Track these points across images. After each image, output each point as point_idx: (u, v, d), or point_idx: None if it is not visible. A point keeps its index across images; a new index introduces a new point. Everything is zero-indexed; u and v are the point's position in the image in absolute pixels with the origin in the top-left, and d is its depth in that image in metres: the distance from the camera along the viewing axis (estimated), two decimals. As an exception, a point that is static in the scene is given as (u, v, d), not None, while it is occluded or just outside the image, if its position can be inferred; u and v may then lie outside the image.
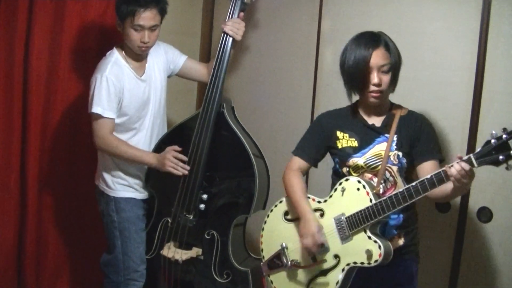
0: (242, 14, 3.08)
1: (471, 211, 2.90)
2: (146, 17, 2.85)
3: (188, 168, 2.97)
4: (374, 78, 2.39)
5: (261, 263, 2.74)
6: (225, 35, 3.05)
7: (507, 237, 2.81)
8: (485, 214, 2.85)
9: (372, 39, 2.43)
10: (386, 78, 2.41)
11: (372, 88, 2.41)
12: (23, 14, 3.07)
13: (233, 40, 3.05)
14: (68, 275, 3.55)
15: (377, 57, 2.39)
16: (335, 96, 3.33)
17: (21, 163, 3.22)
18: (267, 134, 3.58)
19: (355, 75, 2.43)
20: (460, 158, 2.12)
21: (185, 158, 2.97)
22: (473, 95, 2.86)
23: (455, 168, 2.12)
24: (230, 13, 3.07)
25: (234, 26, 3.03)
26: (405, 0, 3.07)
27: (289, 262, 2.58)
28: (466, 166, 2.09)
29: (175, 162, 2.96)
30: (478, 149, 2.07)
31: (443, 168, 2.15)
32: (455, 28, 2.92)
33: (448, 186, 2.23)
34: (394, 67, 2.42)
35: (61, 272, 3.51)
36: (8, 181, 3.18)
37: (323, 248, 2.46)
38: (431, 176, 2.18)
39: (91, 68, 3.16)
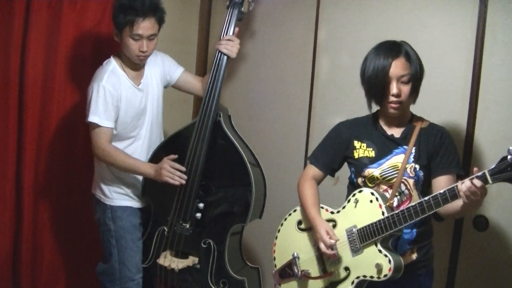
0: (237, 30, 3.06)
1: (467, 220, 2.90)
2: (145, 26, 2.85)
3: (185, 177, 2.96)
4: (394, 88, 2.36)
5: (273, 271, 2.74)
6: (220, 53, 3.04)
7: (503, 245, 2.81)
8: (481, 222, 2.85)
9: (392, 49, 2.39)
10: (406, 89, 2.38)
11: (392, 98, 2.38)
12: (19, 22, 3.07)
13: (228, 57, 3.03)
14: (64, 284, 3.53)
15: (397, 67, 2.36)
16: (332, 105, 3.34)
17: (17, 172, 3.21)
18: (263, 143, 3.58)
19: (374, 85, 2.40)
20: (476, 172, 2.07)
21: (182, 168, 2.97)
22: (469, 103, 2.87)
23: (465, 184, 2.07)
24: (226, 23, 3.06)
25: (228, 44, 3.01)
26: (401, 9, 3.09)
27: (300, 272, 2.56)
28: (478, 183, 2.04)
29: (172, 172, 2.94)
30: (493, 165, 2.02)
31: (457, 183, 2.11)
32: (451, 37, 2.93)
33: (459, 203, 2.18)
34: (414, 78, 2.38)
35: (56, 281, 3.49)
36: (3, 190, 3.16)
37: (333, 260, 2.45)
38: (445, 191, 2.15)
39: (87, 77, 3.16)
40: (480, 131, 2.85)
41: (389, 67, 2.35)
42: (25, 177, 3.23)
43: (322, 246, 2.45)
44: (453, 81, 2.92)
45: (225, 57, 3.03)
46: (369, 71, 2.41)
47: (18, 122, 3.16)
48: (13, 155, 3.17)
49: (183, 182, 2.96)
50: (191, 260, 3.05)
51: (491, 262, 2.85)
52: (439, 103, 2.95)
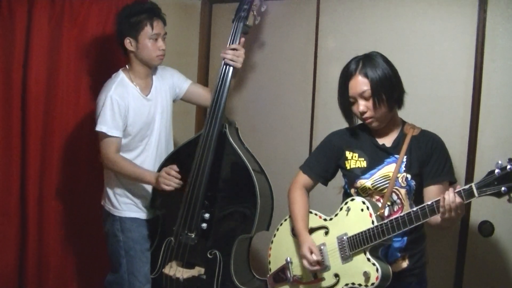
0: (243, 40, 3.08)
1: (472, 225, 2.89)
2: (159, 25, 3.02)
3: (181, 182, 2.96)
4: (359, 106, 2.38)
5: (267, 275, 2.75)
6: (225, 64, 3.05)
7: (509, 250, 2.81)
8: (487, 228, 2.84)
9: (349, 68, 2.41)
10: (369, 104, 2.36)
11: (361, 116, 2.41)
12: (20, 38, 3.10)
13: (234, 68, 3.04)
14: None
15: (354, 87, 2.37)
16: (334, 114, 3.31)
17: (21, 185, 3.22)
18: (266, 153, 3.58)
19: (342, 107, 2.48)
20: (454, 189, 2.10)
21: (177, 175, 2.96)
22: (471, 109, 2.87)
23: (445, 199, 2.10)
24: (231, 37, 3.06)
25: (234, 55, 3.02)
26: (401, 16, 3.10)
27: (292, 277, 2.59)
28: (455, 200, 2.07)
29: (167, 178, 2.94)
30: (480, 179, 2.02)
31: (444, 195, 2.12)
32: (451, 43, 2.94)
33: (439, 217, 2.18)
34: (376, 90, 2.34)
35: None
36: (8, 205, 3.18)
37: (323, 267, 2.46)
38: (432, 202, 2.16)
39: (89, 91, 3.19)
40: (482, 136, 2.85)
41: (347, 91, 2.40)
42: (29, 192, 3.24)
43: (305, 262, 2.48)
44: (455, 87, 2.92)
45: (231, 68, 3.04)
46: (339, 100, 2.48)
47: (21, 136, 3.19)
48: (17, 170, 3.19)
49: (177, 186, 2.95)
50: (197, 271, 3.04)
51: (497, 268, 2.84)
52: (441, 109, 2.96)
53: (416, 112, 2.90)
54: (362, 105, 2.37)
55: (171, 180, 2.94)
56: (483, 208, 2.85)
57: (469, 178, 2.84)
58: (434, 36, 2.99)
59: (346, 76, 2.41)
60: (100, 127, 2.94)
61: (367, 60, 2.39)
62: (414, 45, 3.04)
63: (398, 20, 3.11)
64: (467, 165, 2.88)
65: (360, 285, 2.35)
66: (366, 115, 2.38)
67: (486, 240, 2.85)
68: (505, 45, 2.78)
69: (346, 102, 2.43)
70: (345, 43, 3.31)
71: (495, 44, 2.80)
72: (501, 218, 2.81)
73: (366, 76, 2.35)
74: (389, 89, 2.37)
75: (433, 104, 2.97)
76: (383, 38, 3.13)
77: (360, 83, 2.36)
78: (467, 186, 2.06)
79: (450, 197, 2.09)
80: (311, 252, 2.46)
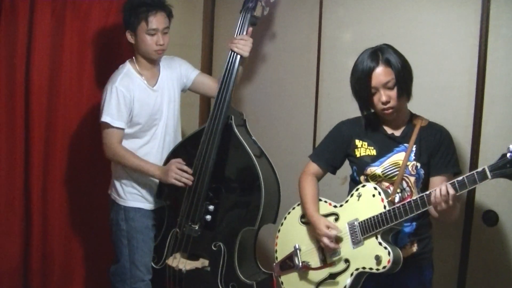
0: (250, 30, 3.08)
1: (476, 215, 2.89)
2: (158, 20, 2.98)
3: (192, 179, 2.98)
4: (382, 97, 2.39)
5: (274, 264, 2.77)
6: (232, 52, 3.05)
7: (514, 240, 2.81)
8: (491, 217, 2.84)
9: (370, 59, 2.41)
10: (393, 94, 2.39)
11: (382, 106, 2.42)
12: (23, 31, 3.10)
13: (241, 56, 3.04)
14: (75, 289, 3.55)
15: (379, 76, 2.39)
16: (337, 104, 3.34)
17: (25, 179, 3.23)
18: (270, 144, 3.57)
19: (362, 99, 2.47)
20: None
21: (189, 170, 2.99)
22: (474, 99, 2.86)
23: (436, 192, 2.18)
24: (239, 28, 3.07)
25: (240, 43, 3.02)
26: (404, 7, 3.08)
27: (301, 263, 2.60)
28: (445, 191, 2.16)
29: (179, 174, 2.97)
30: (493, 162, 2.08)
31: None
32: (455, 33, 2.93)
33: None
34: (399, 81, 2.39)
35: (67, 287, 3.50)
36: (12, 197, 3.18)
37: (333, 252, 2.49)
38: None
39: (92, 83, 3.18)
40: (486, 125, 2.84)
41: (370, 80, 2.39)
42: (33, 183, 3.25)
43: (325, 240, 2.49)
44: (458, 77, 2.91)
45: (238, 56, 3.03)
46: (356, 88, 2.47)
47: (24, 128, 3.19)
48: (20, 161, 3.20)
49: (189, 183, 2.98)
50: (201, 262, 3.05)
51: (501, 257, 2.84)
52: (445, 99, 2.95)
53: (419, 102, 2.90)
54: (385, 95, 2.39)
55: (182, 175, 2.96)
56: (487, 198, 2.85)
57: (473, 167, 2.83)
58: (437, 25, 2.98)
59: (367, 67, 2.40)
60: (105, 118, 2.95)
61: (386, 51, 2.42)
62: (417, 35, 3.03)
63: (401, 10, 3.09)
64: (471, 155, 2.87)
65: (371, 269, 2.38)
66: (389, 105, 2.41)
67: (491, 229, 2.85)
68: (509, 35, 2.77)
69: (365, 93, 2.43)
70: (348, 33, 3.31)
71: (499, 33, 2.79)
72: (505, 207, 2.81)
73: (389, 66, 2.38)
74: (410, 79, 2.44)
75: (437, 94, 2.96)
76: (386, 28, 3.12)
77: (385, 73, 2.38)
78: (480, 169, 2.11)
79: (437, 191, 2.18)
80: (329, 228, 2.49)
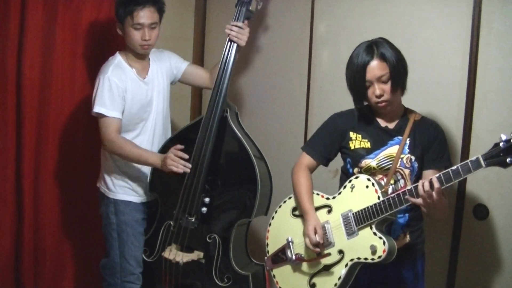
0: (246, 22, 3.07)
1: (467, 209, 2.91)
2: (145, 15, 2.92)
3: (190, 166, 2.96)
4: (376, 90, 2.41)
5: (265, 257, 2.77)
6: (229, 41, 3.04)
7: (504, 234, 2.83)
8: (481, 211, 2.86)
9: (365, 53, 2.43)
10: (387, 87, 2.41)
11: (377, 99, 2.44)
12: (15, 22, 3.07)
13: (237, 45, 3.04)
14: (67, 284, 3.54)
15: (373, 70, 2.40)
16: (329, 97, 3.34)
17: (16, 172, 3.21)
18: (262, 137, 3.58)
19: (358, 93, 2.48)
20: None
21: (185, 156, 2.94)
22: (466, 94, 2.88)
23: (423, 185, 2.22)
24: (234, 22, 3.06)
25: (239, 32, 3.02)
26: (396, 1, 3.09)
27: (294, 256, 2.60)
28: (427, 186, 2.21)
29: (176, 160, 2.92)
30: (487, 151, 2.12)
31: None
32: (447, 28, 2.94)
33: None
34: (394, 75, 2.40)
35: (59, 281, 3.50)
36: (3, 191, 3.17)
37: (327, 244, 2.51)
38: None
39: (85, 75, 3.16)
40: (478, 120, 2.86)
41: (365, 73, 2.41)
42: (25, 176, 3.24)
43: (307, 241, 2.53)
44: (450, 72, 2.93)
45: (235, 45, 3.04)
46: (351, 81, 2.49)
47: (16, 122, 3.17)
48: (12, 154, 3.18)
49: (187, 170, 2.95)
50: (196, 255, 3.07)
51: (491, 251, 2.87)
52: (437, 94, 2.96)
53: (411, 96, 2.91)
54: (379, 89, 2.41)
55: (179, 162, 2.92)
56: (478, 192, 2.87)
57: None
58: (429, 20, 2.99)
59: (362, 60, 2.42)
60: (99, 109, 2.92)
61: (381, 45, 2.44)
62: (409, 30, 3.03)
63: (393, 4, 3.10)
64: (462, 149, 2.89)
65: (366, 259, 2.40)
66: (383, 98, 2.43)
67: (481, 223, 2.88)
68: (501, 29, 2.78)
69: (360, 87, 2.45)
70: (340, 27, 3.31)
71: (491, 28, 2.80)
72: (495, 201, 2.84)
73: (384, 60, 2.40)
74: (404, 73, 2.46)
75: (428, 88, 2.98)
76: (379, 22, 3.12)
77: (379, 67, 2.40)
78: (474, 158, 2.14)
79: (424, 184, 2.22)
80: (315, 233, 2.50)
